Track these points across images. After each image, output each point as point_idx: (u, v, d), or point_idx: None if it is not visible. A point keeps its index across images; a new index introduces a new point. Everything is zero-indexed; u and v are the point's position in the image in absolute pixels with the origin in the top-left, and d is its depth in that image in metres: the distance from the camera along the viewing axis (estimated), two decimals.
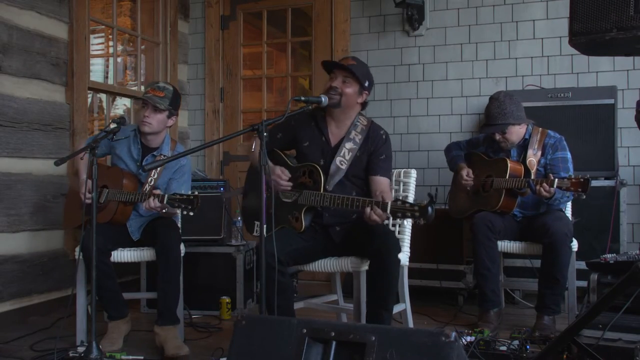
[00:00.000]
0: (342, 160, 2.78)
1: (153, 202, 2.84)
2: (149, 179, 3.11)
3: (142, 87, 4.78)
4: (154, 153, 3.17)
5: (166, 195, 2.81)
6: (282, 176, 2.73)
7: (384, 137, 2.86)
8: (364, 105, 2.87)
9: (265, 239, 2.28)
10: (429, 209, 2.25)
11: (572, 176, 2.99)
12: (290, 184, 2.74)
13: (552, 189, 2.99)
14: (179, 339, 2.97)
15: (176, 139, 4.83)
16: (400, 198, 2.42)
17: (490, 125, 3.30)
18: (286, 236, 2.66)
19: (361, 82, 2.75)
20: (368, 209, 2.43)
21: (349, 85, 2.74)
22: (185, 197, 2.75)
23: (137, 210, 3.17)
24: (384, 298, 2.59)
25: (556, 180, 2.98)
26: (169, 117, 3.13)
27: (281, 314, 2.51)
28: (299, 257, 2.70)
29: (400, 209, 2.33)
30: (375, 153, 2.82)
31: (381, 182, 2.80)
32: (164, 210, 2.91)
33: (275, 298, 2.45)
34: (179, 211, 2.76)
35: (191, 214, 2.76)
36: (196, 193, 2.74)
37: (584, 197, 2.95)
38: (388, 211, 2.37)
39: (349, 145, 2.80)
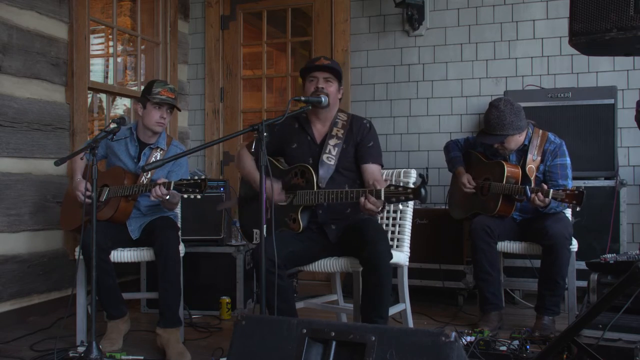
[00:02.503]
0: (329, 156, 2.80)
1: (160, 190, 2.85)
2: (147, 173, 3.13)
3: (142, 87, 4.78)
4: (151, 146, 3.22)
5: (172, 182, 2.82)
6: (274, 189, 2.69)
7: (367, 125, 2.90)
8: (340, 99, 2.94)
9: (263, 242, 2.28)
10: (422, 190, 2.27)
11: (568, 187, 2.98)
12: (283, 196, 2.77)
13: (547, 199, 2.99)
14: (181, 343, 2.95)
15: (176, 138, 4.84)
16: (393, 182, 2.43)
17: (488, 134, 3.29)
18: (283, 239, 2.65)
19: (339, 78, 2.84)
20: (362, 199, 2.44)
21: (332, 84, 2.81)
22: (192, 181, 2.77)
23: (139, 207, 3.18)
24: (377, 306, 2.58)
25: (551, 191, 2.97)
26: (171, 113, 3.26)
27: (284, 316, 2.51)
28: (296, 258, 2.70)
29: (394, 194, 2.35)
30: (362, 142, 2.86)
31: (373, 170, 2.82)
32: (167, 198, 2.92)
33: (275, 301, 2.45)
34: (185, 196, 2.79)
35: (199, 197, 2.79)
36: (203, 177, 2.76)
37: (578, 209, 2.95)
38: (382, 198, 2.38)
39: (332, 141, 2.83)
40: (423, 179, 2.27)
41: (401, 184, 2.43)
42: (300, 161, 2.82)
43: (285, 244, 2.63)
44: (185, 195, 2.80)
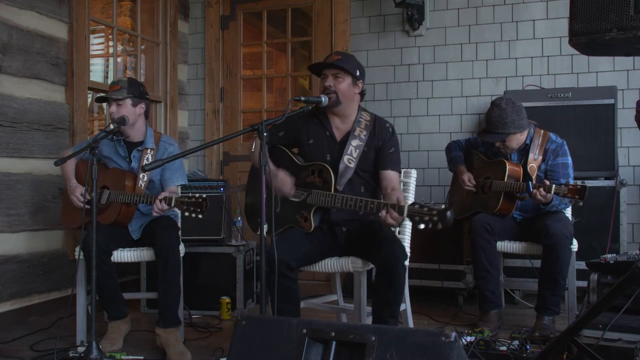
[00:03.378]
0: (350, 158, 2.76)
1: (161, 205, 2.86)
2: (142, 174, 3.12)
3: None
4: (139, 148, 3.19)
5: (174, 198, 2.82)
6: (286, 182, 2.70)
7: (390, 130, 2.85)
8: (362, 95, 2.86)
9: (269, 242, 2.27)
10: (448, 213, 2.20)
11: (570, 183, 2.98)
12: (293, 191, 2.72)
13: (549, 195, 2.99)
14: (181, 342, 2.96)
15: (176, 138, 4.84)
16: (420, 202, 2.36)
17: (489, 132, 3.29)
18: (295, 239, 2.64)
19: (352, 73, 2.75)
20: (384, 212, 2.39)
21: (342, 80, 2.73)
22: (193, 200, 2.75)
23: (138, 207, 3.17)
24: (390, 306, 2.58)
25: (553, 186, 2.97)
26: (134, 105, 3.13)
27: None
28: (306, 259, 2.68)
29: (418, 213, 2.27)
30: (384, 147, 2.81)
31: (392, 178, 2.79)
32: (166, 211, 2.91)
33: (275, 302, 2.45)
34: (186, 214, 2.77)
35: (200, 216, 2.76)
36: (204, 196, 2.74)
37: (581, 204, 2.95)
38: (405, 215, 2.32)
39: (355, 142, 2.78)
40: (450, 203, 2.23)
41: (426, 204, 2.31)
42: (317, 158, 2.78)
43: (299, 246, 2.61)
44: (187, 214, 2.77)
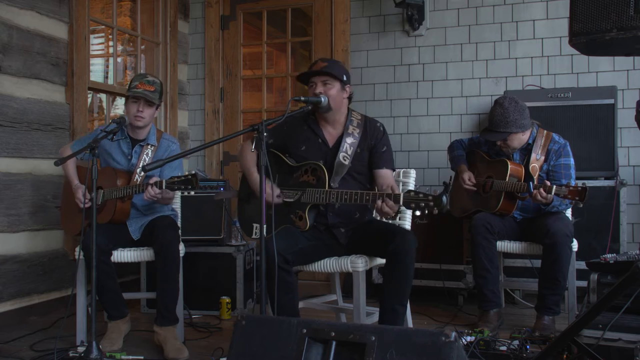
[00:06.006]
0: (345, 155, 2.77)
1: (153, 190, 2.85)
2: (139, 170, 3.12)
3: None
4: (141, 144, 3.21)
5: (164, 181, 2.83)
6: (271, 194, 2.67)
7: (381, 129, 2.88)
8: (350, 99, 2.87)
9: (268, 239, 2.28)
10: (444, 197, 2.22)
11: (571, 184, 2.98)
12: (279, 200, 2.72)
13: (549, 195, 2.99)
14: (179, 340, 2.97)
15: (176, 138, 4.83)
16: (415, 188, 2.39)
17: (491, 131, 3.30)
18: (291, 235, 2.65)
19: (340, 78, 2.75)
20: (379, 202, 2.42)
21: (331, 87, 2.73)
22: (183, 178, 2.77)
23: (137, 207, 3.18)
24: (401, 294, 2.61)
25: (554, 187, 2.97)
26: (156, 109, 3.20)
27: (287, 313, 2.51)
28: (304, 256, 2.68)
29: (414, 200, 2.30)
30: (376, 147, 2.83)
31: (387, 175, 2.81)
32: (159, 196, 2.91)
33: (275, 296, 2.45)
34: (179, 193, 2.79)
35: (192, 192, 2.78)
36: (194, 172, 2.75)
37: (581, 205, 2.95)
38: (401, 202, 2.35)
39: (349, 140, 2.79)
40: (446, 187, 2.24)
41: (421, 191, 2.34)
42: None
43: (295, 241, 2.62)
44: (179, 192, 2.80)
